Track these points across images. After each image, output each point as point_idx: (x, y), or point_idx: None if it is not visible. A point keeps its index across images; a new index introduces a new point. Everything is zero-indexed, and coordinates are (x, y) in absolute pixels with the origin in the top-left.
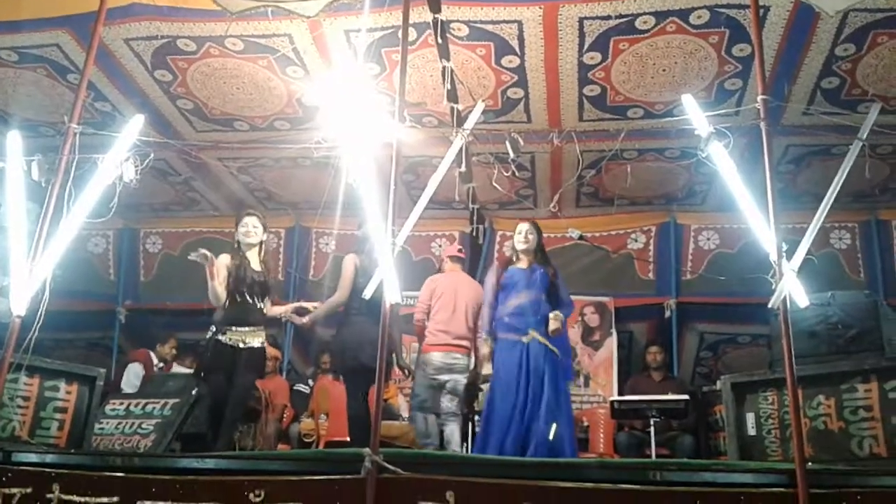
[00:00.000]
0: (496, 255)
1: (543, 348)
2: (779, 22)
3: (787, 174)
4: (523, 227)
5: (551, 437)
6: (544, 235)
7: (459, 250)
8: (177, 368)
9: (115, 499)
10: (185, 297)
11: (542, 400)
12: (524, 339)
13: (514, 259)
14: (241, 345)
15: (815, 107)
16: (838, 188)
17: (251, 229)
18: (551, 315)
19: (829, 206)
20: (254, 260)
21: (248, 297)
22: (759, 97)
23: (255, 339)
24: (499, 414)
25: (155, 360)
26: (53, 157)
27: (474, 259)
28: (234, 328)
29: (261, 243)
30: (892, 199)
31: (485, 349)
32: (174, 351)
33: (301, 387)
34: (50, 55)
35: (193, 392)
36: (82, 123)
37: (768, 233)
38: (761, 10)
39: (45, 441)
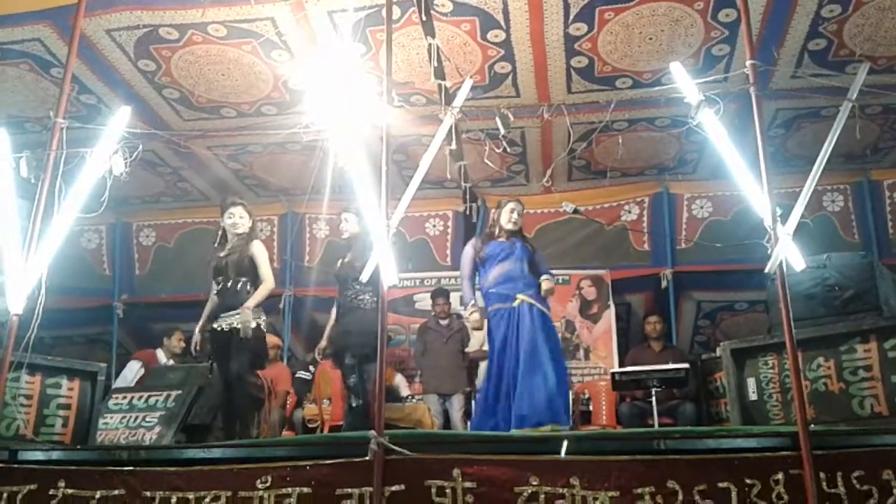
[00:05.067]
0: None
1: (533, 308)
2: None
3: (778, 138)
4: (514, 206)
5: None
6: (538, 211)
7: None
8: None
9: (122, 491)
10: (182, 289)
11: (535, 353)
12: (514, 304)
13: (496, 234)
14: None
15: (803, 69)
16: (830, 150)
17: (238, 220)
18: (543, 278)
19: (821, 169)
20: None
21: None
22: (748, 62)
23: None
24: (494, 382)
25: (163, 359)
26: (41, 153)
27: (468, 237)
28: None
29: (249, 230)
30: (882, 160)
31: (474, 316)
32: (182, 343)
33: (302, 373)
34: (32, 50)
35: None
36: (68, 117)
37: (762, 198)
38: None
39: (50, 438)
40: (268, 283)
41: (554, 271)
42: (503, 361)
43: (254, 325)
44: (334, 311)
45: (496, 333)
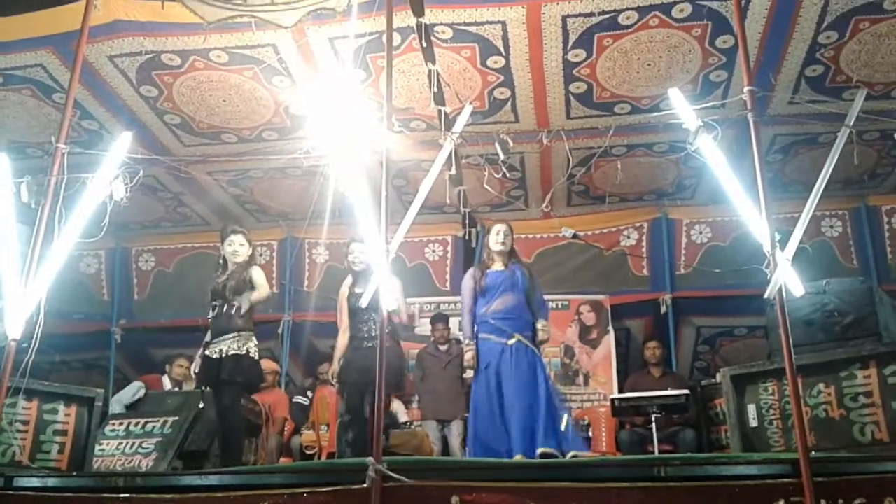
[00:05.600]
0: None
1: (527, 349)
2: (761, 11)
3: (776, 164)
4: (500, 228)
5: (563, 427)
6: (537, 236)
7: None
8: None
9: None
10: (181, 314)
11: (538, 395)
12: (508, 343)
13: (490, 261)
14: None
15: (800, 95)
16: (828, 176)
17: (238, 248)
18: (539, 325)
19: (819, 194)
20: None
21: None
22: (745, 88)
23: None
24: (484, 413)
25: (168, 385)
26: (42, 178)
27: (468, 263)
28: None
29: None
30: (880, 185)
31: (469, 355)
32: (185, 370)
33: (300, 398)
34: (34, 76)
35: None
36: (70, 143)
37: (761, 223)
38: (743, 1)
39: (46, 465)
40: (262, 290)
41: (553, 296)
42: (498, 397)
43: (240, 350)
44: (344, 337)
45: (490, 363)
